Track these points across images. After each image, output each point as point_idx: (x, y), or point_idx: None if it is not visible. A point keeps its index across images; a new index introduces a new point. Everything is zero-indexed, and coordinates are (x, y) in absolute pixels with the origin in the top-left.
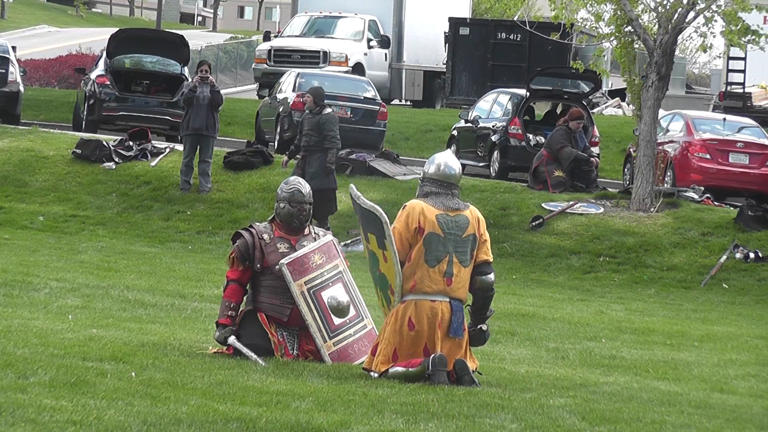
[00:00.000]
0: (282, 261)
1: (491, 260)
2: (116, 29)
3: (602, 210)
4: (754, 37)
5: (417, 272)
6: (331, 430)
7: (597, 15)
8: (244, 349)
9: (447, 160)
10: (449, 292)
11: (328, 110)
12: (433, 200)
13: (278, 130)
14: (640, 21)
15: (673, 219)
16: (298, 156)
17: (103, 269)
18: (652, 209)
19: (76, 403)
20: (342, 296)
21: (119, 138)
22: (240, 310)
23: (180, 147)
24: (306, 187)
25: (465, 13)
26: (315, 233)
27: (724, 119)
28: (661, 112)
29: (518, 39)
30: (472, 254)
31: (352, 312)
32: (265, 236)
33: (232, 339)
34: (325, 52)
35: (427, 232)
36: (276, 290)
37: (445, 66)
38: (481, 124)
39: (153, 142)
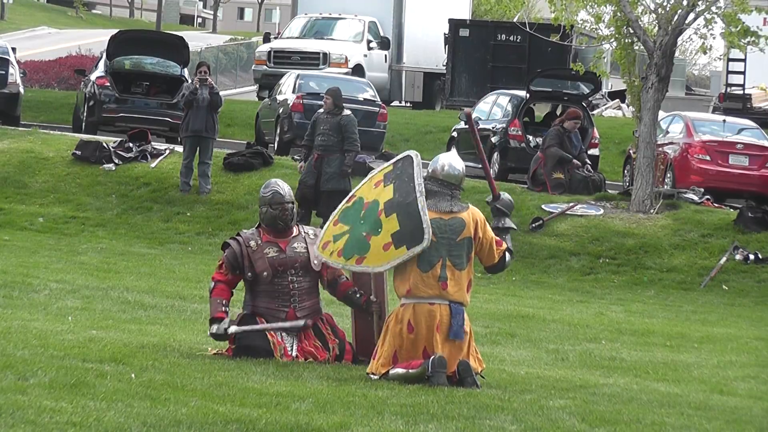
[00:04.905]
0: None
1: (496, 260)
2: (116, 31)
3: (602, 211)
4: (753, 38)
5: (411, 277)
6: None
7: (597, 16)
8: (251, 327)
9: (451, 160)
10: (446, 296)
11: (348, 112)
12: (429, 202)
13: (278, 131)
14: (640, 22)
15: (673, 220)
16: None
17: (102, 271)
18: (651, 211)
19: (75, 405)
20: None
21: (119, 139)
22: (238, 314)
23: (180, 148)
24: (285, 188)
25: (465, 14)
26: (305, 233)
27: (724, 121)
28: (661, 114)
29: (518, 40)
30: (468, 257)
31: None
32: (252, 243)
33: (233, 328)
34: (324, 54)
35: None
36: (271, 294)
37: (444, 67)
38: (481, 126)
39: (153, 143)
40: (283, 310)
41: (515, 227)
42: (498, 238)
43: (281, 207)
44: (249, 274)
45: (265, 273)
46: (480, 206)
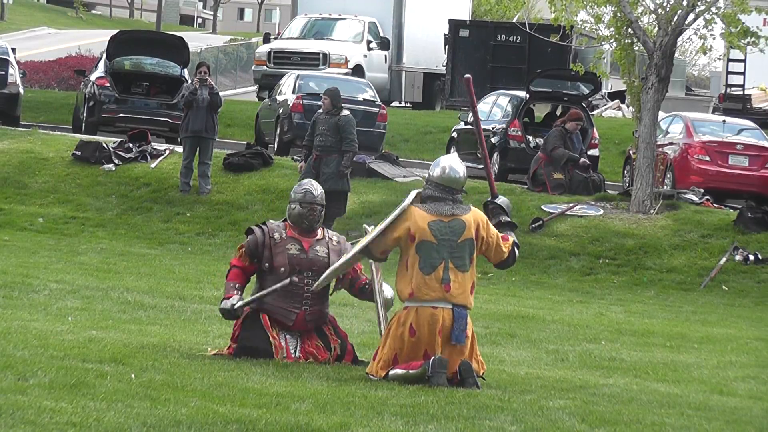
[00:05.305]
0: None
1: (506, 255)
2: (116, 31)
3: (602, 212)
4: (753, 39)
5: (414, 280)
6: None
7: (597, 17)
8: (257, 295)
9: (452, 164)
10: (450, 299)
11: (346, 112)
12: (430, 206)
13: (278, 131)
14: (640, 23)
15: (673, 221)
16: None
17: (102, 271)
18: (651, 211)
19: (75, 405)
20: (388, 291)
21: (119, 140)
22: (244, 309)
23: (179, 149)
24: (317, 189)
25: (465, 14)
26: (329, 237)
27: (724, 121)
28: (661, 114)
29: (518, 41)
30: (470, 259)
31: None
32: (276, 235)
33: (239, 303)
34: (324, 54)
35: (418, 239)
36: (284, 293)
37: (444, 68)
38: (481, 126)
39: (152, 143)
40: (294, 311)
41: (515, 223)
42: (504, 234)
43: (310, 207)
44: (266, 264)
45: (282, 269)
46: (480, 206)
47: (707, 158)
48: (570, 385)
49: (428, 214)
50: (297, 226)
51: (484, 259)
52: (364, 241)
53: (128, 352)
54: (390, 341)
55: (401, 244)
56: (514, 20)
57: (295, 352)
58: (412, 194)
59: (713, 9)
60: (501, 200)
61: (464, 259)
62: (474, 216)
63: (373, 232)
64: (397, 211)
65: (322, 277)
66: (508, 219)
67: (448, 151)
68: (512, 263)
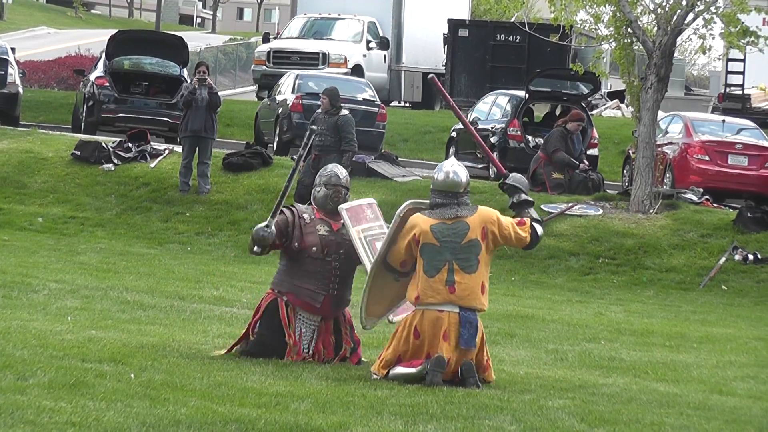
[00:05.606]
0: (342, 206)
1: (528, 239)
2: (115, 31)
3: (601, 212)
4: (753, 38)
5: (420, 284)
6: None
7: (596, 16)
8: (285, 186)
9: (453, 168)
10: (456, 301)
11: (345, 111)
12: (435, 212)
13: (277, 131)
14: (640, 23)
15: (672, 221)
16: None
17: (102, 271)
18: (651, 211)
19: (75, 405)
20: None
21: (118, 139)
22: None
23: (179, 148)
24: (343, 173)
25: (464, 14)
26: None
27: (723, 121)
28: (660, 114)
29: (517, 40)
30: (477, 259)
31: None
32: (306, 216)
33: (269, 221)
34: (324, 54)
35: (422, 242)
36: (312, 275)
37: (444, 68)
38: (480, 126)
39: (152, 143)
40: (321, 293)
41: (531, 199)
42: (519, 219)
43: (335, 188)
44: (296, 244)
45: (314, 248)
46: (483, 204)
47: (707, 158)
48: (569, 384)
49: (432, 219)
50: (322, 208)
51: None
52: (376, 258)
53: (127, 352)
54: (395, 343)
55: (412, 251)
56: (514, 20)
57: (308, 349)
58: (407, 203)
59: (712, 9)
60: (512, 178)
61: (470, 261)
62: (480, 215)
63: (379, 249)
64: (394, 219)
65: (362, 311)
66: (525, 196)
67: (447, 151)
68: (537, 242)
